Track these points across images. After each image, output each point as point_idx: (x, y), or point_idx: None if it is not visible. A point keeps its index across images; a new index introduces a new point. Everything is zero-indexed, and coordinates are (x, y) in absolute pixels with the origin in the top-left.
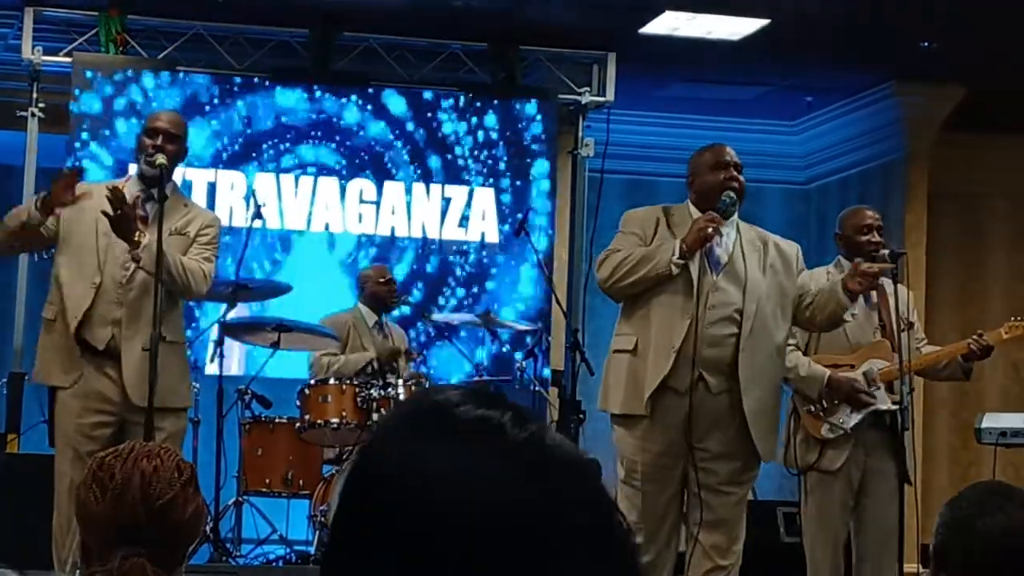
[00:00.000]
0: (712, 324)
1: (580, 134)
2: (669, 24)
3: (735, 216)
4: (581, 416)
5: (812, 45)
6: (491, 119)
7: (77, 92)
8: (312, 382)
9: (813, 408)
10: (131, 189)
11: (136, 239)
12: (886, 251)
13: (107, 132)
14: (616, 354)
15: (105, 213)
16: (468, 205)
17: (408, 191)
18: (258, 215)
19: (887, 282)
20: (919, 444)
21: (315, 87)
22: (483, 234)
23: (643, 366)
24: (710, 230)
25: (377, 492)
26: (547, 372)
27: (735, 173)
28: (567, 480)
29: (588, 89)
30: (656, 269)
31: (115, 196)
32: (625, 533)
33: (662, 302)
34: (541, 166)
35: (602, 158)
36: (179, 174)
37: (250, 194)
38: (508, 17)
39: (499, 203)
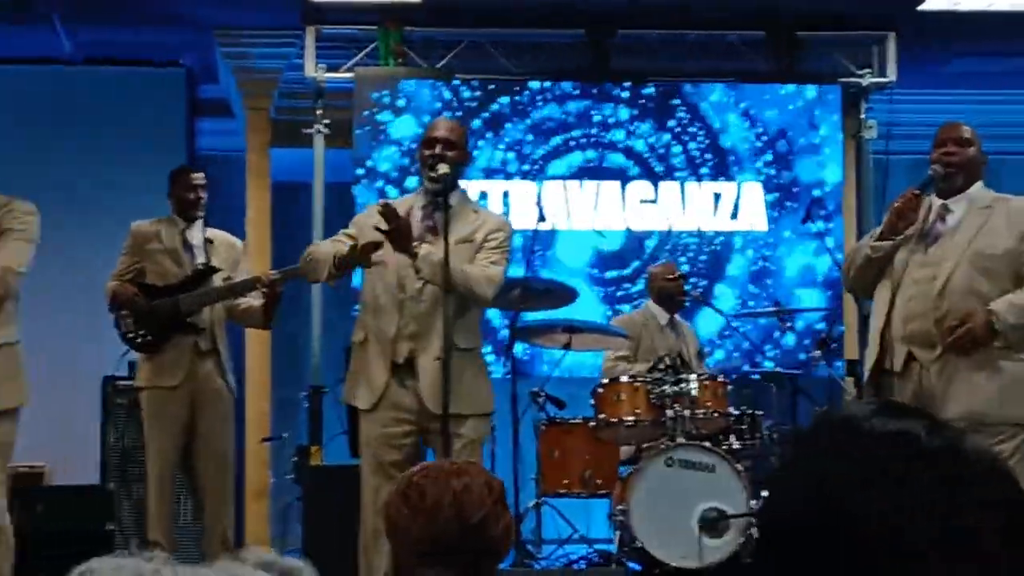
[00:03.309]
0: (911, 300)
1: (862, 116)
2: None
3: (973, 190)
4: None
5: None
6: (770, 107)
7: (359, 107)
8: (605, 381)
9: None
10: (419, 201)
11: (414, 251)
12: None
13: (390, 144)
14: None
15: (379, 229)
16: (739, 196)
17: (691, 189)
18: (542, 218)
19: None
20: None
21: (593, 88)
22: (752, 225)
23: (869, 353)
24: (898, 204)
25: (796, 507)
26: (839, 363)
27: (951, 148)
28: (984, 485)
29: (869, 71)
30: (861, 253)
31: (387, 212)
32: None
33: (878, 292)
34: (825, 151)
35: (886, 139)
36: (475, 186)
37: (537, 200)
38: (784, 4)
39: (783, 191)
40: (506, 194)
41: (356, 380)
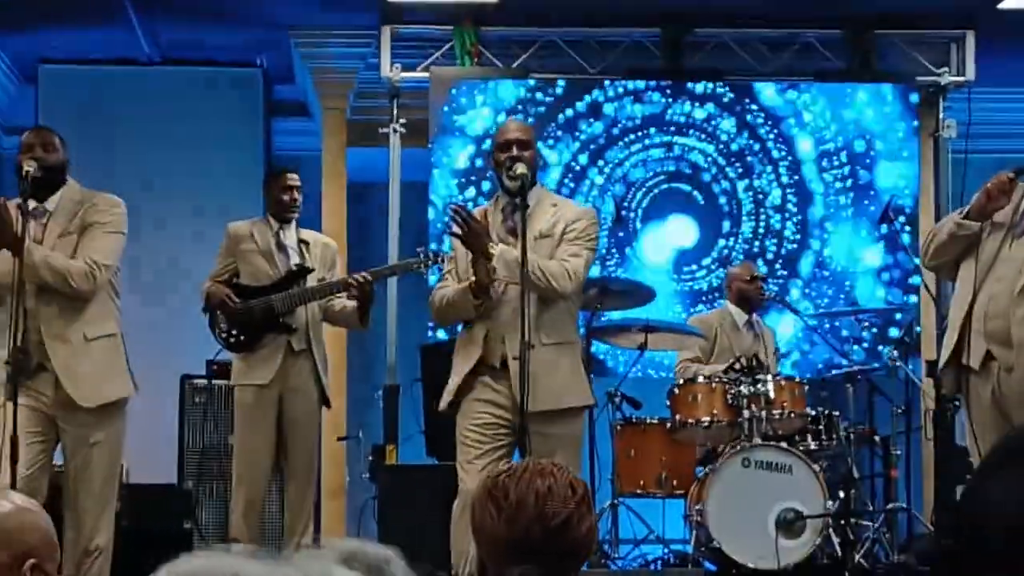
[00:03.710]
0: (992, 298)
1: (941, 115)
2: None
3: None
4: (956, 404)
5: None
6: (847, 106)
7: (435, 106)
8: (681, 381)
9: None
10: (498, 203)
11: (490, 251)
12: None
13: (465, 144)
14: None
15: (453, 233)
16: (814, 196)
17: (766, 188)
18: (618, 218)
19: None
20: None
21: (668, 87)
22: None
23: (947, 342)
24: (990, 185)
25: (984, 523)
26: (916, 362)
27: None
28: None
29: (947, 69)
30: (944, 229)
31: (459, 215)
32: None
33: (962, 276)
34: (902, 151)
35: (965, 139)
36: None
37: (610, 199)
38: (861, 2)
39: (859, 191)
40: (582, 194)
41: (450, 385)
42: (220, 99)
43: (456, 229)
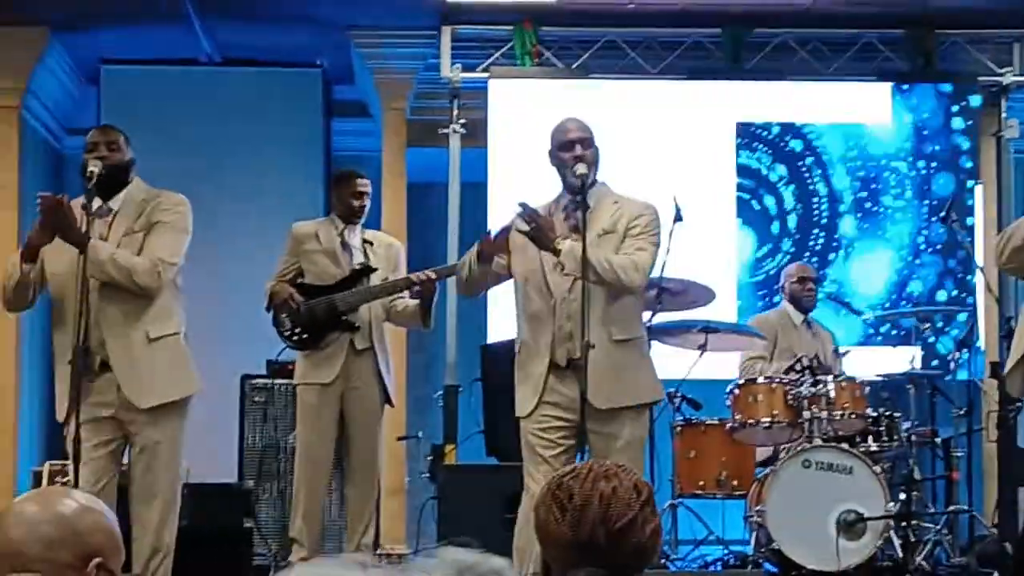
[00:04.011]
0: None
1: (1003, 115)
2: None
3: None
4: (1020, 405)
5: None
6: (909, 106)
7: (495, 106)
8: (741, 382)
9: None
10: (560, 202)
11: (557, 247)
12: None
13: (525, 144)
14: None
15: (521, 231)
16: (874, 195)
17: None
18: (679, 218)
19: None
20: None
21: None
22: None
23: (1017, 344)
24: None
25: None
26: (979, 364)
27: None
28: None
29: (1010, 69)
30: (1016, 237)
31: (526, 212)
32: None
33: None
34: (963, 149)
35: None
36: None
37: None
38: (923, 2)
39: (919, 189)
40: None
41: (518, 390)
42: (280, 99)
43: (523, 226)
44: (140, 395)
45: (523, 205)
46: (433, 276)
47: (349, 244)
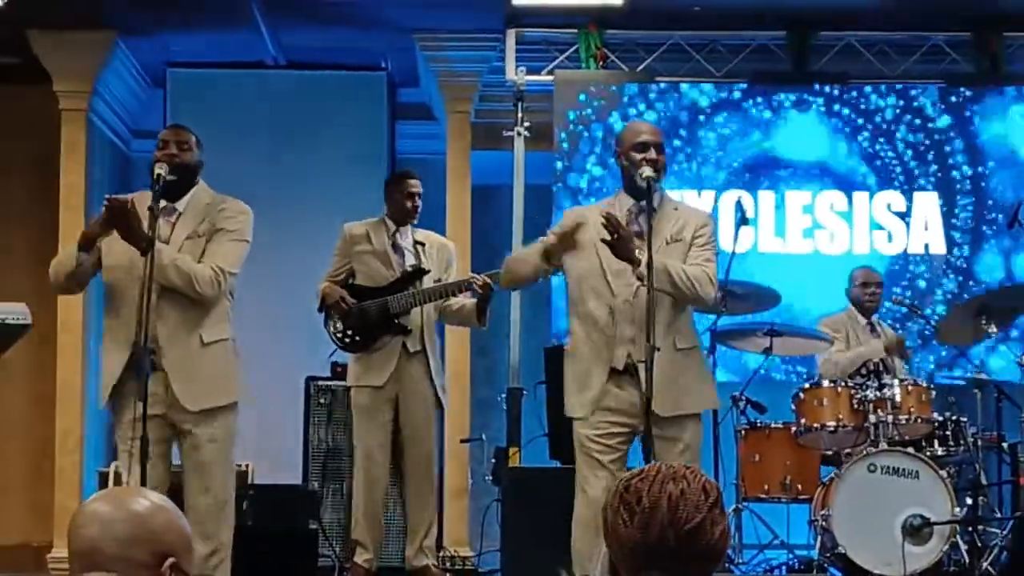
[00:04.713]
0: None
1: None
2: None
3: None
4: None
5: None
6: (977, 110)
7: (560, 109)
8: (806, 386)
9: None
10: (621, 204)
11: (636, 257)
12: None
13: (590, 147)
14: None
15: (604, 240)
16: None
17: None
18: (743, 222)
19: None
20: None
21: (794, 91)
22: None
23: None
24: None
25: None
26: None
27: None
28: None
29: None
30: None
31: (610, 222)
32: None
33: None
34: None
35: None
36: (673, 192)
37: (737, 204)
38: (990, 4)
39: (986, 194)
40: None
41: (571, 390)
42: (345, 102)
43: (607, 236)
44: (187, 398)
45: (608, 214)
46: (489, 282)
47: (400, 246)
